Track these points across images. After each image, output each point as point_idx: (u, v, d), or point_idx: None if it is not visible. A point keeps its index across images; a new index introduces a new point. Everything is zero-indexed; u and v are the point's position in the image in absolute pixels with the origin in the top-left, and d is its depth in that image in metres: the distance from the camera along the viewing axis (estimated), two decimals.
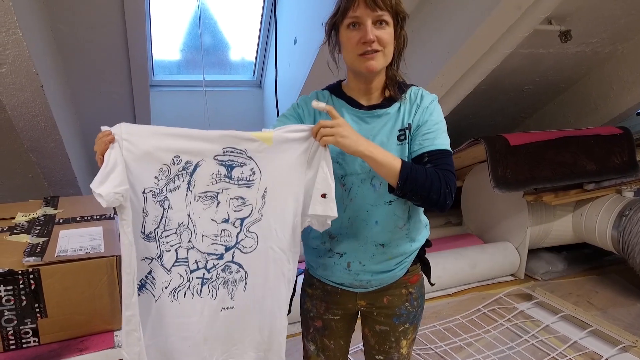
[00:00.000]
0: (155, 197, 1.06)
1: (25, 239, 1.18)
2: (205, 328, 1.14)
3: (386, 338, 1.34)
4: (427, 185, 1.08)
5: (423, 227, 1.32)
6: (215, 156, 1.08)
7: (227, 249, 1.13)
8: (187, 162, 1.06)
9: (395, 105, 1.19)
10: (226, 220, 1.11)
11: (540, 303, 2.89)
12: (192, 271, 1.11)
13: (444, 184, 1.10)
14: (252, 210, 1.12)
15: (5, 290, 1.02)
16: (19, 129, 1.92)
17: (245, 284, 1.15)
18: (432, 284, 1.42)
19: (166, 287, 1.10)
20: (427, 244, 1.36)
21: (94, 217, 1.36)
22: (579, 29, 2.79)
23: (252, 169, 1.10)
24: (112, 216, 1.39)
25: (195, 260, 1.11)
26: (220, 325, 1.16)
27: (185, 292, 1.11)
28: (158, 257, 1.09)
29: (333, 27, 1.17)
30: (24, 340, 1.07)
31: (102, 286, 1.10)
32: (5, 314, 1.04)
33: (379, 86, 1.20)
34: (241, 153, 1.09)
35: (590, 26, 2.87)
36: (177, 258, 1.10)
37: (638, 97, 3.36)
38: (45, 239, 1.18)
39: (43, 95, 1.75)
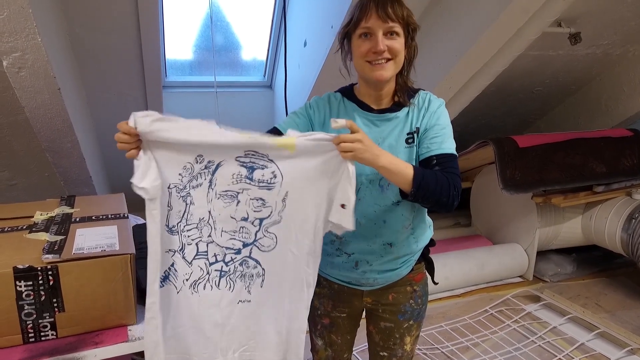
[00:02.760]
0: (179, 193, 1.10)
1: (43, 236, 1.23)
2: (223, 319, 1.17)
3: (391, 334, 1.38)
4: (437, 190, 1.11)
5: (427, 227, 1.36)
6: (236, 157, 1.10)
7: (245, 245, 1.16)
8: (209, 162, 1.09)
9: (405, 110, 1.22)
10: (245, 219, 1.14)
11: (548, 305, 2.90)
12: (211, 264, 1.15)
13: (452, 187, 1.14)
14: (271, 212, 1.14)
15: (25, 286, 1.07)
16: (36, 130, 1.97)
17: (263, 280, 1.18)
18: (435, 283, 1.45)
19: (187, 279, 1.14)
20: (431, 243, 1.39)
21: (109, 216, 1.40)
22: (589, 31, 2.79)
23: (273, 172, 1.11)
24: (126, 215, 1.43)
25: (215, 253, 1.15)
26: (237, 317, 1.19)
27: (205, 284, 1.15)
28: (180, 250, 1.13)
29: (345, 35, 1.21)
30: (42, 334, 1.12)
31: (117, 283, 1.14)
32: (25, 308, 1.08)
33: (389, 93, 1.23)
34: (263, 156, 1.10)
35: (600, 28, 2.87)
36: (197, 251, 1.14)
37: None
38: (62, 237, 1.23)
39: (60, 97, 1.80)
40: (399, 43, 1.14)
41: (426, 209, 1.32)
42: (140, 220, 1.92)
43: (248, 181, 1.11)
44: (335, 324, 1.41)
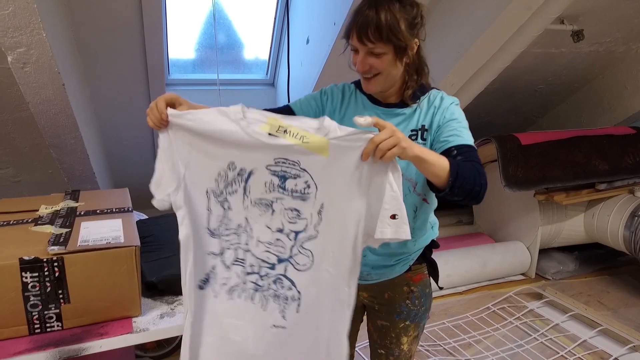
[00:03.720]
0: (216, 197, 1.07)
1: (49, 229, 1.24)
2: (254, 339, 1.11)
3: (386, 333, 1.37)
4: (471, 178, 1.04)
5: (429, 228, 1.34)
6: (267, 166, 1.03)
7: (280, 261, 1.09)
8: (241, 169, 1.05)
9: (412, 107, 1.22)
10: (280, 230, 1.07)
11: (550, 302, 2.90)
12: (247, 273, 1.11)
13: (482, 176, 1.08)
14: (307, 225, 1.05)
15: (31, 277, 1.08)
16: (40, 126, 1.99)
17: (299, 305, 1.09)
18: (440, 288, 1.43)
19: (224, 284, 1.11)
20: (434, 244, 1.37)
21: (114, 210, 1.41)
22: (591, 29, 2.79)
23: (306, 182, 1.02)
24: (130, 209, 1.44)
25: (251, 263, 1.10)
26: (270, 342, 1.11)
27: (240, 293, 1.11)
28: (220, 254, 1.10)
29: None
30: (48, 325, 1.12)
31: (122, 275, 1.15)
32: (31, 299, 1.09)
33: (395, 91, 1.23)
34: (294, 164, 1.02)
35: (603, 26, 2.87)
36: (235, 257, 1.10)
37: None
38: (68, 229, 1.24)
39: (64, 93, 1.81)
40: (382, 61, 1.12)
41: (431, 209, 1.31)
42: (143, 216, 1.93)
43: (281, 190, 1.04)
44: None
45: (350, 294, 1.05)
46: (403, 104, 1.23)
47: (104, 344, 1.11)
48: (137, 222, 1.43)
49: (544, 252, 3.36)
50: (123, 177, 2.94)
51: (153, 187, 1.09)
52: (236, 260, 1.10)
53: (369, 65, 1.13)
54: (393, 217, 0.98)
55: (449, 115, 1.18)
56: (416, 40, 1.15)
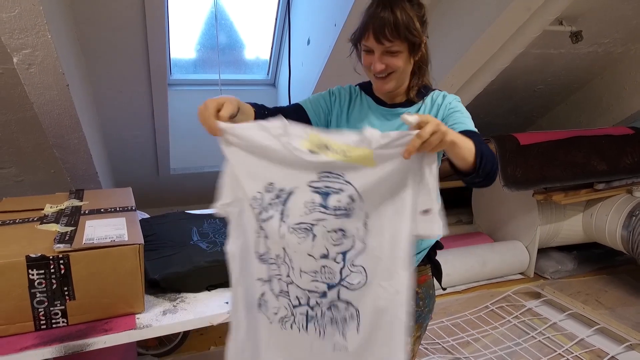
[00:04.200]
0: (257, 222, 1.02)
1: (54, 227, 1.27)
2: None
3: None
4: (492, 158, 1.03)
5: None
6: (309, 183, 0.98)
7: (331, 287, 1.01)
8: (280, 190, 0.99)
9: (416, 106, 1.25)
10: (326, 256, 0.99)
11: (548, 301, 2.92)
12: (294, 306, 1.04)
13: (495, 155, 1.07)
14: (354, 241, 0.98)
15: (37, 274, 1.11)
16: (45, 126, 2.01)
17: (358, 324, 1.01)
18: (444, 289, 1.44)
19: (275, 314, 1.06)
20: (438, 245, 1.38)
21: (117, 209, 1.44)
22: (590, 30, 2.81)
23: (350, 196, 0.96)
24: (133, 208, 1.47)
25: (296, 296, 1.03)
26: None
27: (292, 324, 1.05)
28: (268, 282, 1.05)
29: (357, 41, 1.23)
30: (53, 321, 1.15)
31: (126, 272, 1.17)
32: (37, 296, 1.12)
33: (402, 91, 1.26)
34: (338, 177, 0.97)
35: (601, 27, 2.89)
36: (280, 289, 1.04)
37: None
38: (73, 228, 1.26)
39: (68, 93, 1.83)
40: (398, 59, 1.15)
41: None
42: (146, 215, 1.95)
43: (323, 210, 0.98)
44: None
45: (404, 311, 0.98)
46: (408, 103, 1.26)
47: (108, 339, 1.13)
48: (139, 220, 1.45)
49: (542, 251, 3.38)
50: (125, 176, 2.97)
51: (218, 192, 1.05)
52: (281, 292, 1.04)
53: (385, 65, 1.15)
54: (426, 212, 0.93)
55: (452, 109, 1.21)
56: (425, 38, 1.18)
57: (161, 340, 2.37)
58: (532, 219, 3.23)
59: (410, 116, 0.90)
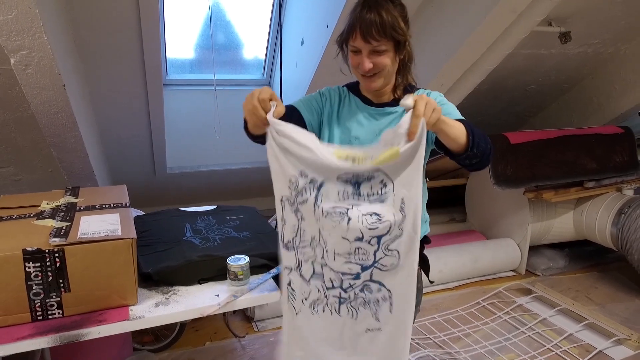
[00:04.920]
0: (291, 206, 1.05)
1: (50, 223, 1.31)
2: (350, 350, 1.08)
3: None
4: (483, 137, 1.08)
5: (422, 222, 1.37)
6: (338, 176, 1.01)
7: (364, 268, 1.03)
8: (312, 178, 1.02)
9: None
10: (360, 239, 1.01)
11: (539, 297, 2.97)
12: (327, 288, 1.06)
13: (487, 137, 1.11)
14: (390, 227, 1.00)
15: (34, 267, 1.15)
16: (41, 125, 2.05)
17: (391, 304, 1.04)
18: (431, 282, 1.46)
19: (306, 299, 1.08)
20: (426, 240, 1.41)
21: (111, 205, 1.48)
22: (580, 30, 2.86)
23: (382, 181, 0.99)
24: (127, 204, 1.51)
25: (330, 278, 1.05)
26: (366, 347, 1.07)
27: (324, 307, 1.08)
28: (297, 268, 1.07)
29: (343, 42, 1.28)
30: (49, 312, 1.19)
31: (119, 265, 1.22)
32: (33, 288, 1.16)
33: (388, 90, 1.30)
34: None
35: (591, 27, 2.93)
36: (314, 271, 1.06)
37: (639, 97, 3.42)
38: (68, 223, 1.30)
39: (65, 94, 1.87)
40: (385, 58, 1.19)
41: (423, 204, 1.32)
42: (141, 213, 2.00)
43: (356, 197, 1.01)
44: None
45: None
46: (395, 102, 1.29)
47: (102, 330, 1.18)
48: (134, 217, 1.50)
49: (534, 249, 3.43)
50: (122, 175, 3.01)
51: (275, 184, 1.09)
52: (314, 275, 1.07)
53: (373, 64, 1.20)
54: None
55: (439, 103, 1.22)
56: (409, 36, 1.23)
57: (157, 336, 2.41)
58: (524, 217, 3.28)
59: (407, 99, 0.97)
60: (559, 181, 3.08)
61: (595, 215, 3.19)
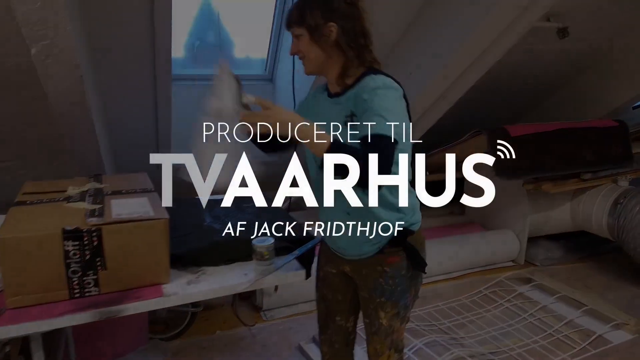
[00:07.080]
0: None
1: (82, 205, 1.35)
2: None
3: (367, 305, 1.43)
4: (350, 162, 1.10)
5: (394, 210, 1.33)
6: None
7: None
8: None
9: (348, 93, 1.28)
10: None
11: (539, 286, 3.05)
12: None
13: (366, 164, 1.10)
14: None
15: (72, 246, 1.19)
16: (57, 116, 2.08)
17: None
18: (424, 273, 1.42)
19: None
20: (408, 232, 1.36)
21: (137, 190, 1.52)
22: (577, 26, 2.93)
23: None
24: (152, 189, 1.55)
25: None
26: None
27: None
28: None
29: None
30: (86, 290, 1.23)
31: (154, 245, 1.26)
32: (71, 266, 1.20)
33: (333, 79, 1.32)
34: None
35: (587, 23, 3.01)
36: None
37: (634, 91, 3.51)
38: (100, 205, 1.34)
39: (82, 85, 1.90)
40: (302, 42, 1.27)
41: (401, 189, 1.33)
42: None
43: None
44: (327, 278, 1.51)
45: None
46: (344, 90, 1.30)
47: (138, 306, 1.22)
48: None
49: (532, 240, 3.51)
50: (128, 167, 3.02)
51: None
52: None
53: (296, 49, 1.29)
54: None
55: (368, 101, 1.20)
56: (332, 24, 1.24)
57: (168, 325, 2.45)
58: (522, 208, 3.36)
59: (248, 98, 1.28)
60: (557, 173, 3.17)
61: (592, 206, 3.28)
